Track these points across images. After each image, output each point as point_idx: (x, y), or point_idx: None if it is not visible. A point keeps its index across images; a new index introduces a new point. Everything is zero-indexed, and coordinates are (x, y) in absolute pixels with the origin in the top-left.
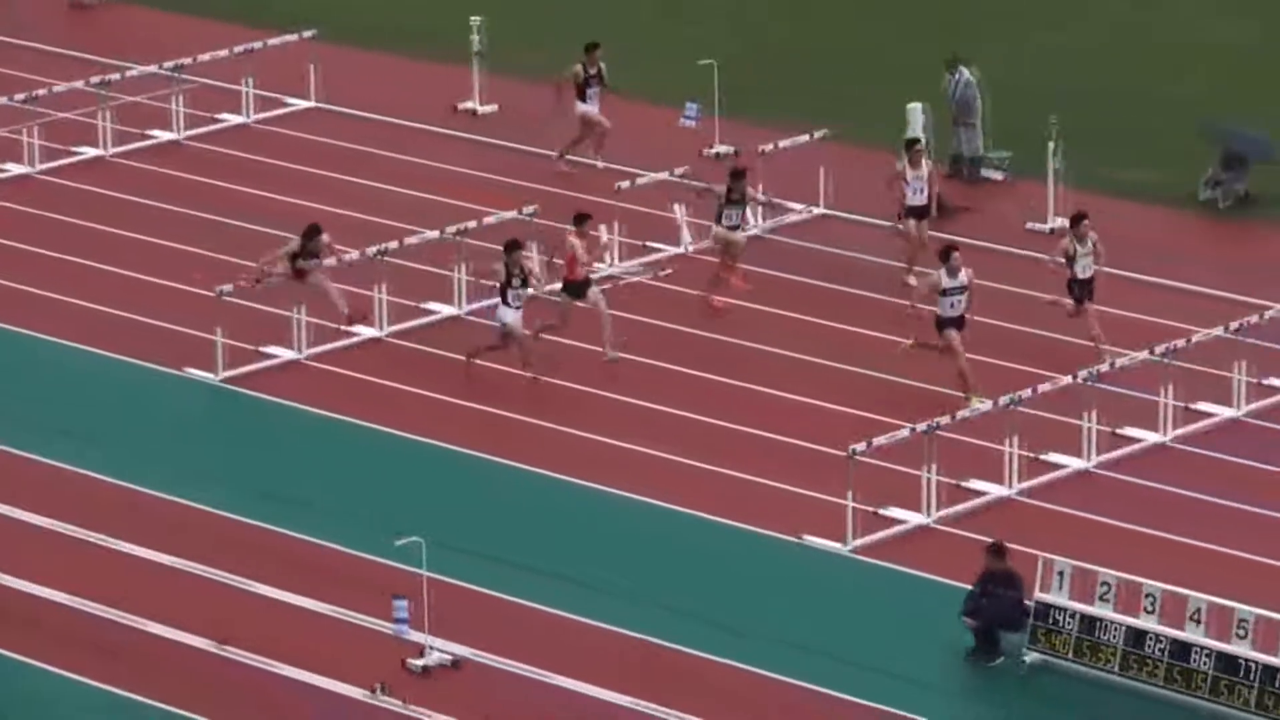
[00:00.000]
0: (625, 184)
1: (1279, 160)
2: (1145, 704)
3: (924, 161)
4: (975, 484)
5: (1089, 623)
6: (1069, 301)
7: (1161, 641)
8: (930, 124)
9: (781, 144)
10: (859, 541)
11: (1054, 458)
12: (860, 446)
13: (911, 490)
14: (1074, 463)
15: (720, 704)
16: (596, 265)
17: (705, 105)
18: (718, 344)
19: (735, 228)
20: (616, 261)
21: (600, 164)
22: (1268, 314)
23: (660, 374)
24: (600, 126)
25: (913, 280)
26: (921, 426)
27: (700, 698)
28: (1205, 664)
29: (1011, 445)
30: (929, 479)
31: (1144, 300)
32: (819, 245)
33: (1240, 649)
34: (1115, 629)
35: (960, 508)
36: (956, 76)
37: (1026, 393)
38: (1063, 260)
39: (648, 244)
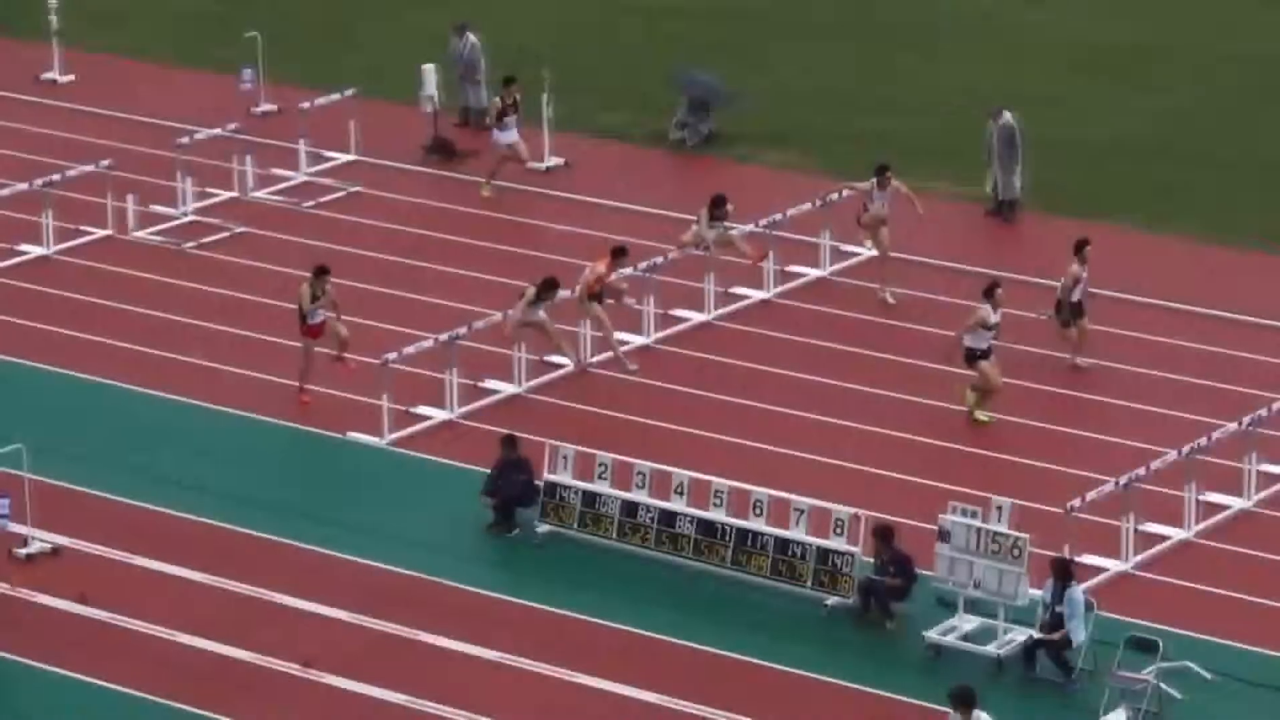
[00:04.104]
0: (186, 139)
1: (737, 106)
2: (639, 564)
3: (892, 184)
4: (491, 384)
5: (590, 498)
6: (1051, 317)
7: (651, 511)
8: (440, 82)
9: (317, 101)
10: (394, 436)
11: (554, 359)
12: (392, 355)
13: (437, 391)
14: (568, 362)
15: (282, 578)
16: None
17: (255, 70)
18: (270, 274)
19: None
20: (186, 203)
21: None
22: (734, 231)
23: (243, 303)
24: (518, 155)
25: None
26: (444, 336)
27: (266, 573)
28: (688, 529)
29: (521, 350)
30: (451, 381)
31: (625, 225)
32: (362, 187)
33: (717, 515)
34: (612, 502)
35: (478, 404)
36: (464, 40)
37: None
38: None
39: (208, 190)
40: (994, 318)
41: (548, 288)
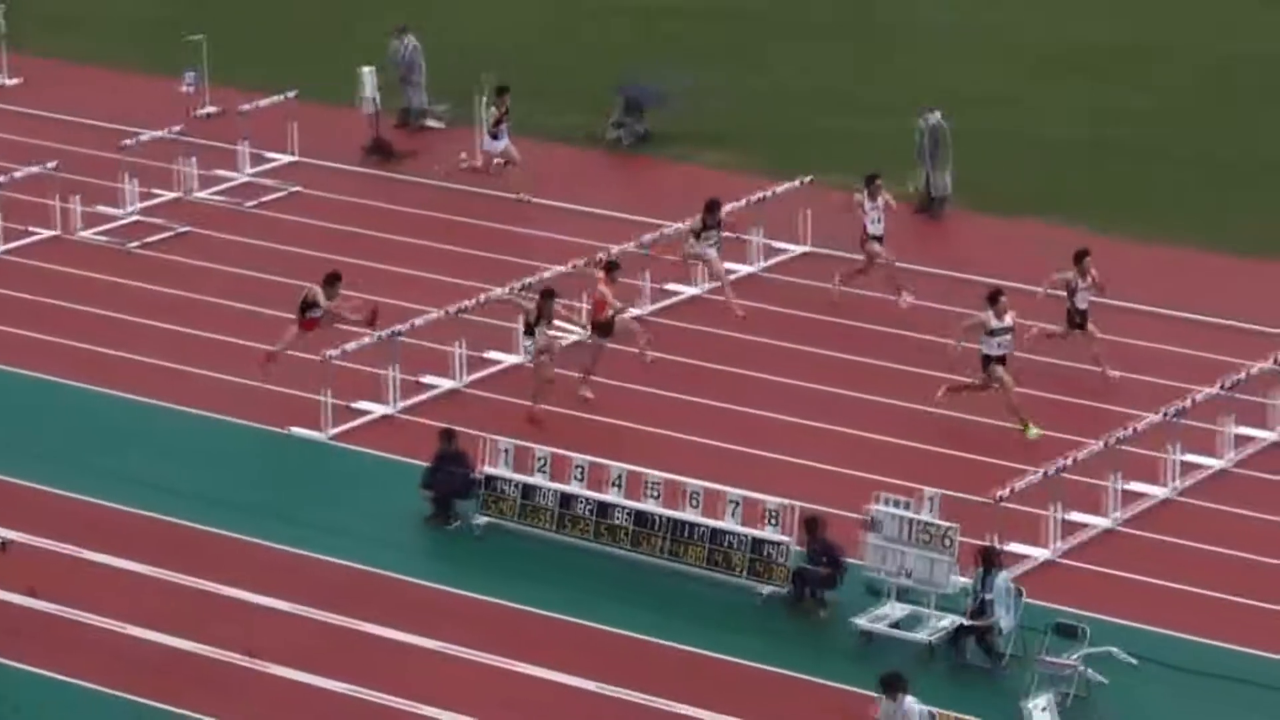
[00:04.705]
0: (130, 141)
1: (670, 107)
2: (576, 555)
3: (881, 193)
4: (429, 379)
5: (528, 490)
6: (1057, 328)
7: (587, 503)
8: (379, 84)
9: (260, 103)
10: (335, 430)
11: (492, 355)
12: (334, 352)
13: (378, 387)
14: (509, 358)
15: (226, 571)
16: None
17: (199, 73)
18: (214, 273)
19: (714, 246)
20: (129, 205)
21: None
22: (664, 230)
23: (162, 298)
24: (487, 161)
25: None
26: (385, 333)
27: (211, 566)
28: (624, 520)
29: (461, 346)
30: (392, 377)
31: (567, 224)
32: (301, 188)
33: (650, 507)
34: (549, 495)
35: (417, 399)
36: (403, 42)
37: (470, 301)
38: (1060, 291)
39: (153, 190)
40: (994, 323)
41: (547, 298)
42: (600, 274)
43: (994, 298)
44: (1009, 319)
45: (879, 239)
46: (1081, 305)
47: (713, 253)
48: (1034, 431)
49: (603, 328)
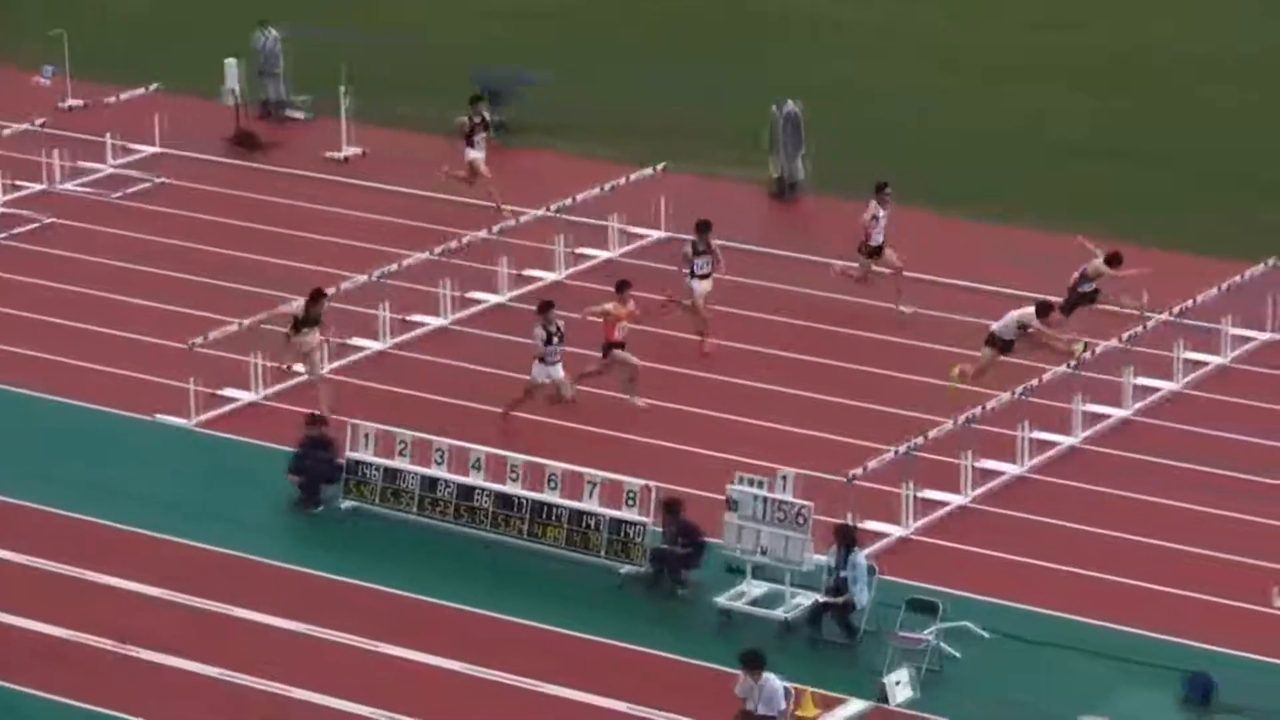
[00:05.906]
0: None
1: (523, 96)
2: (440, 537)
3: (889, 202)
4: (295, 366)
5: (391, 474)
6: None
7: (450, 486)
8: (242, 75)
9: (122, 96)
10: (201, 417)
11: (356, 341)
12: (199, 340)
13: (244, 374)
14: (373, 345)
15: (93, 556)
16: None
17: (59, 67)
18: (80, 263)
19: (705, 276)
20: None
21: (507, 208)
22: (522, 219)
23: (27, 289)
24: (483, 171)
25: (901, 309)
26: (247, 322)
27: (81, 553)
28: (486, 502)
29: (327, 336)
30: (256, 364)
31: (418, 210)
32: (167, 178)
33: (513, 489)
34: (412, 478)
35: (282, 386)
36: (265, 34)
37: (333, 290)
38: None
39: (17, 182)
40: (1035, 324)
41: (544, 309)
42: (615, 306)
43: (1046, 309)
44: (1040, 324)
45: (879, 250)
46: (1083, 289)
47: (703, 286)
48: (954, 383)
49: (615, 346)
